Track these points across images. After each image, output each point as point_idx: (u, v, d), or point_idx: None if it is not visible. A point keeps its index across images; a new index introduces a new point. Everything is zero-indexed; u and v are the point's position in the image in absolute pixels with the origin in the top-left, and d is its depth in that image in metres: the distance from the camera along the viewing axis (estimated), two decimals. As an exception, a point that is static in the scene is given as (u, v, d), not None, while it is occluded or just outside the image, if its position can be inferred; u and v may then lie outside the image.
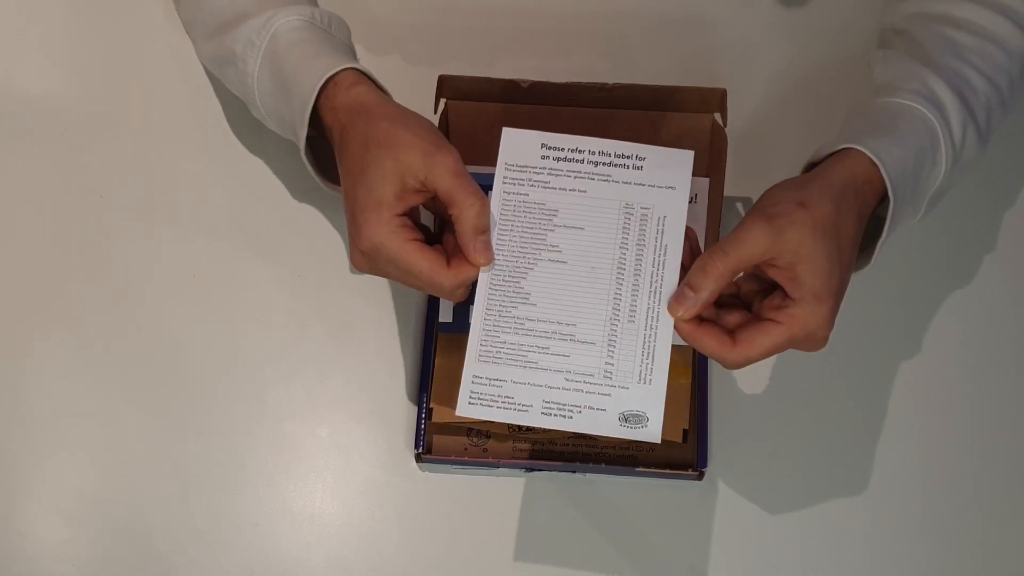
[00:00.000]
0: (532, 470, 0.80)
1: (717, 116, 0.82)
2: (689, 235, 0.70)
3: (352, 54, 0.78)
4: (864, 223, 0.69)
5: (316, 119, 0.73)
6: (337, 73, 0.72)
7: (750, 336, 0.66)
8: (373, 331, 0.84)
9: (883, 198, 0.70)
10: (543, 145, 0.71)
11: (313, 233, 0.87)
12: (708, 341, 0.67)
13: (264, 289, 0.86)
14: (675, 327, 0.68)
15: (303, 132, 0.73)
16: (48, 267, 0.86)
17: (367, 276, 0.84)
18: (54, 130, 0.90)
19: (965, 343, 0.85)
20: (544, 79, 0.82)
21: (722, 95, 0.81)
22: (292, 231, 0.87)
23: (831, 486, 0.81)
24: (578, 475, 0.80)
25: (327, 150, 0.76)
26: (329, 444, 0.82)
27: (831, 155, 0.70)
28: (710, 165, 0.83)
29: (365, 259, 0.69)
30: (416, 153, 0.67)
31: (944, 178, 0.72)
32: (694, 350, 0.80)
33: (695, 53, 0.92)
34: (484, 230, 0.69)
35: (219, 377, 0.83)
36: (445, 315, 0.81)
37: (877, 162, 0.68)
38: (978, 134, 0.73)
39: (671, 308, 0.68)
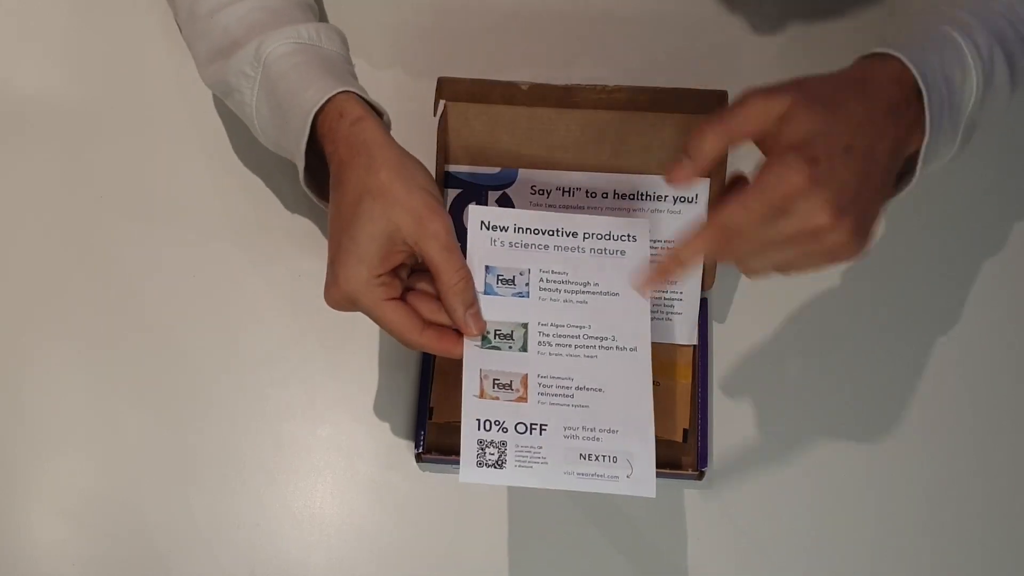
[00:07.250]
0: (532, 470, 0.80)
1: (717, 118, 0.82)
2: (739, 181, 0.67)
3: (345, 65, 0.77)
4: (882, 113, 0.64)
5: (317, 142, 0.72)
6: (333, 98, 0.70)
7: (724, 200, 0.63)
8: (373, 331, 0.84)
9: (911, 106, 0.66)
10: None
11: (313, 234, 0.87)
12: (695, 240, 0.65)
13: (263, 289, 0.86)
14: (676, 248, 0.66)
15: (301, 164, 0.72)
16: (48, 267, 0.86)
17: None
18: (54, 130, 0.90)
19: (968, 343, 0.85)
20: (544, 81, 0.82)
21: (723, 97, 0.81)
22: (292, 232, 0.87)
23: (831, 486, 0.82)
24: (578, 475, 0.80)
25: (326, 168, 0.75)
26: (329, 444, 0.82)
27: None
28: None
29: (339, 304, 0.69)
30: (409, 217, 0.66)
31: (977, 96, 0.68)
32: (695, 350, 0.80)
33: (696, 55, 0.92)
34: (472, 303, 0.70)
35: (219, 377, 0.83)
36: (445, 316, 0.81)
37: (899, 55, 0.65)
38: (1008, 63, 0.70)
39: (669, 175, 0.66)
